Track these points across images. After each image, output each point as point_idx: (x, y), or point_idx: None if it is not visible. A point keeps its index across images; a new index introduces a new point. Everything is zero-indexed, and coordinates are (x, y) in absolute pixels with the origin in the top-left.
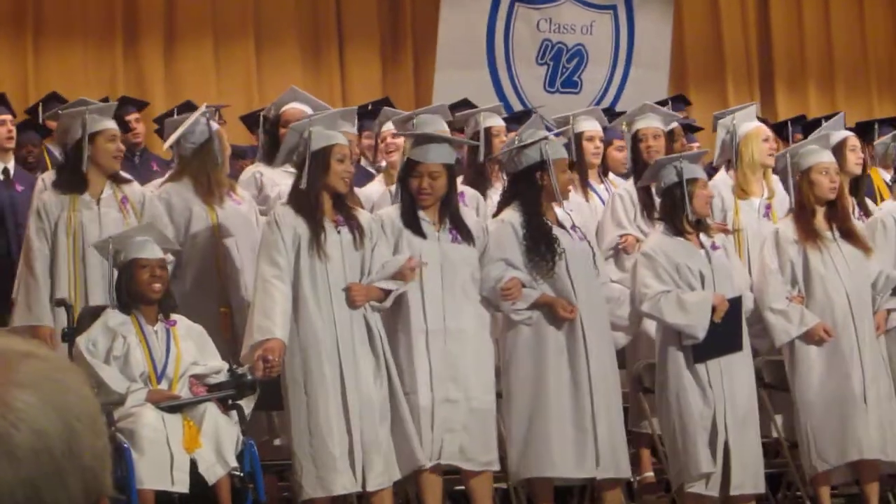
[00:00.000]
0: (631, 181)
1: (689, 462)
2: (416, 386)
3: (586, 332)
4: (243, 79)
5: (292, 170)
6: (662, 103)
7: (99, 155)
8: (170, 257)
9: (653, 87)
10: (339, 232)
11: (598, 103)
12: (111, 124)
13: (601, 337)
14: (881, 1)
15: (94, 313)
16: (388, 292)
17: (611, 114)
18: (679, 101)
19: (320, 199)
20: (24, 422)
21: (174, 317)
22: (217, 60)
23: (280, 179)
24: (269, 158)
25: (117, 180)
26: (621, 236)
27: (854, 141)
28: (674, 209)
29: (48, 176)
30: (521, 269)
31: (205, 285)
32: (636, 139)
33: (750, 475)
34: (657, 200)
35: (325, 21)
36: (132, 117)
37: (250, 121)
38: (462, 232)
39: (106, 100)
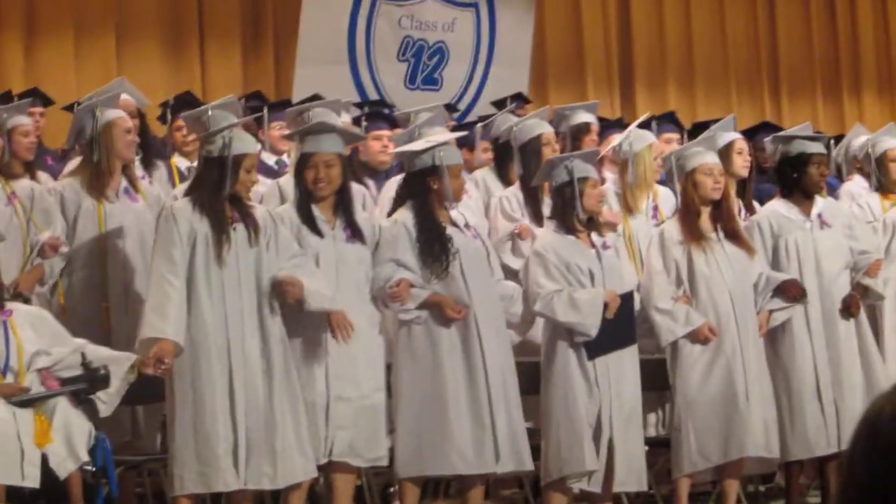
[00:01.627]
0: (517, 186)
1: (573, 459)
2: (314, 384)
3: (481, 330)
4: (104, 72)
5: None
6: (502, 102)
7: (14, 148)
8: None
9: (513, 86)
10: (234, 229)
11: (458, 101)
12: (24, 120)
13: (497, 334)
14: (741, 2)
15: None
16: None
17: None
18: (519, 98)
19: (226, 199)
20: None
21: (9, 306)
22: (78, 53)
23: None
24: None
25: (5, 175)
26: (518, 226)
27: (741, 144)
28: (564, 208)
29: None
30: (412, 270)
31: (89, 280)
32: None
33: (633, 472)
34: (546, 203)
35: (186, 14)
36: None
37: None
38: (355, 230)
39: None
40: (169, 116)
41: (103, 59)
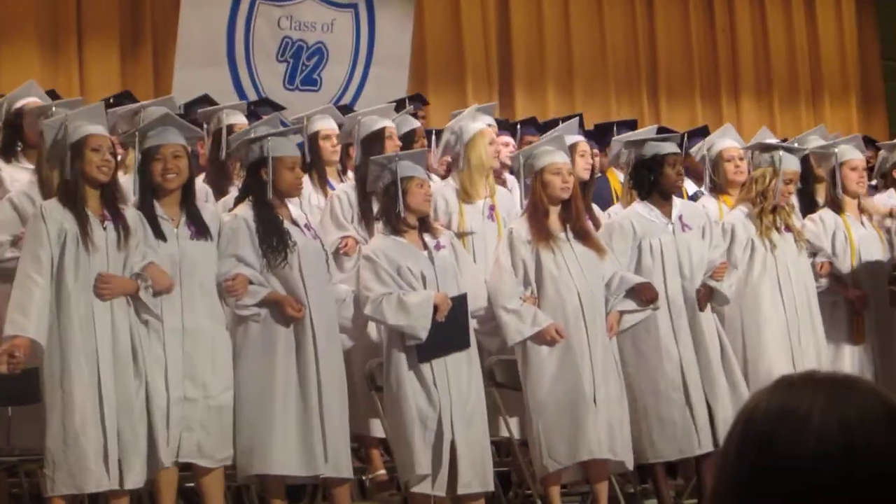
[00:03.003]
0: (350, 183)
1: (408, 462)
2: (154, 383)
3: (316, 332)
4: None
5: (30, 165)
6: (401, 102)
7: None
8: None
9: (393, 86)
10: (104, 228)
11: (337, 101)
12: None
13: (330, 337)
14: (620, 3)
15: None
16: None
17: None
18: (417, 99)
19: (82, 191)
20: None
21: None
22: None
23: (20, 175)
24: (8, 153)
25: None
26: (342, 238)
27: (584, 146)
28: (390, 208)
29: None
30: (252, 266)
31: None
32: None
33: (478, 474)
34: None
35: (64, 14)
36: None
37: None
38: (199, 227)
39: None
40: None
41: None
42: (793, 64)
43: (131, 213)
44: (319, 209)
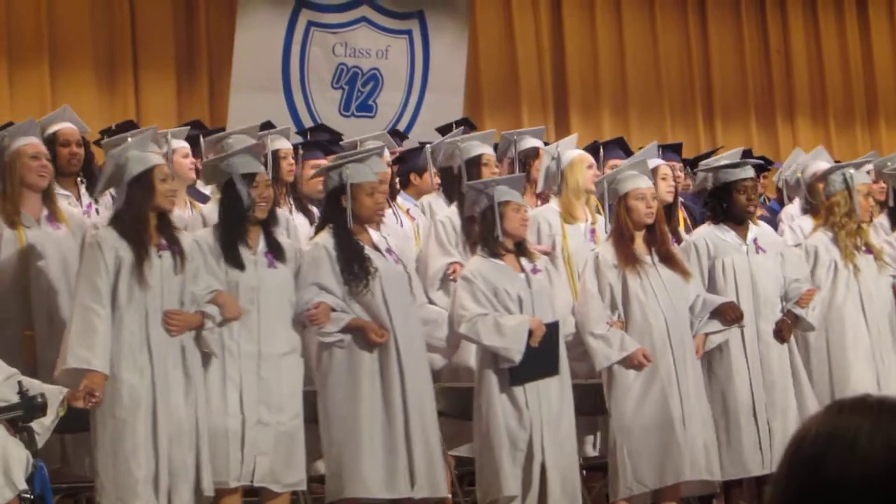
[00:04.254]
0: (454, 210)
1: (496, 484)
2: (228, 408)
3: (402, 355)
4: (38, 100)
5: (64, 191)
6: (448, 127)
7: None
8: None
9: (448, 112)
10: (160, 256)
11: (392, 127)
12: None
13: (416, 358)
14: (674, 27)
15: None
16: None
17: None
18: (464, 124)
19: (147, 221)
20: None
21: None
22: (11, 82)
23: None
24: None
25: None
26: (450, 265)
27: (665, 169)
28: (487, 232)
29: None
30: (334, 293)
31: (9, 308)
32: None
33: (568, 496)
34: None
35: (119, 43)
36: None
37: None
38: (277, 255)
39: None
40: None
41: (38, 87)
42: (847, 85)
43: (187, 240)
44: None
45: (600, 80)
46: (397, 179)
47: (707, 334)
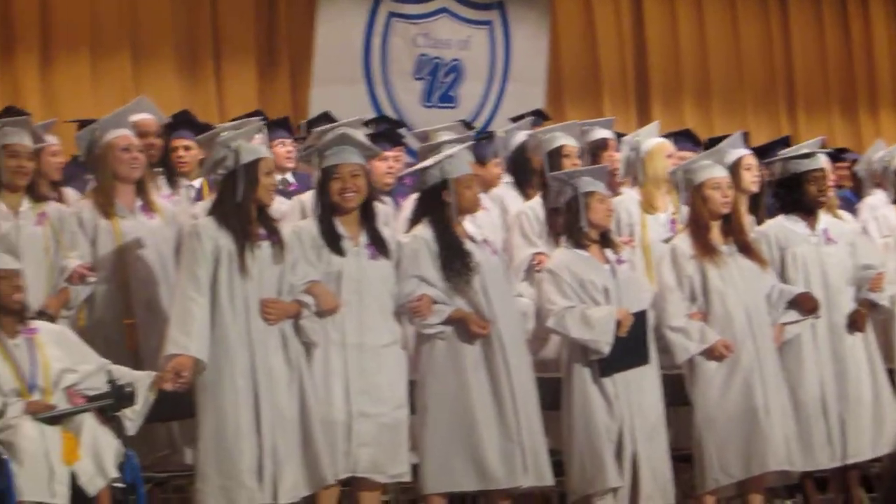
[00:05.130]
0: (537, 199)
1: (596, 476)
2: (332, 399)
3: (505, 345)
4: (120, 92)
5: None
6: (520, 118)
7: (1, 170)
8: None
9: (530, 102)
10: (259, 246)
11: (475, 118)
12: (14, 139)
13: (518, 349)
14: (755, 18)
15: None
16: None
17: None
18: (537, 115)
19: (248, 212)
20: None
21: (33, 324)
22: (94, 73)
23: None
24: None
25: (35, 196)
26: (534, 255)
27: (750, 160)
28: (572, 223)
29: None
30: (435, 285)
31: (111, 298)
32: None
33: (659, 487)
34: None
35: (201, 34)
36: None
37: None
38: (379, 246)
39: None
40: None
41: (120, 78)
42: None
43: (286, 231)
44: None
45: (682, 71)
46: None
47: (784, 324)
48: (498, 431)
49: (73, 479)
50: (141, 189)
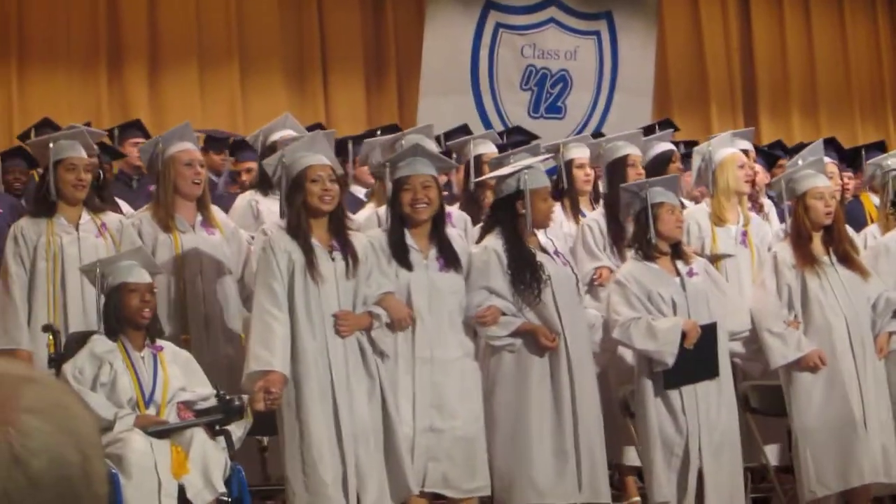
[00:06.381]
0: (599, 210)
1: (650, 489)
2: (400, 413)
3: (571, 359)
4: (228, 104)
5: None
6: (650, 128)
7: (59, 183)
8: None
9: (637, 113)
10: (333, 258)
11: (582, 129)
12: (71, 153)
13: (585, 363)
14: (863, 27)
15: (80, 339)
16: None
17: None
18: (666, 125)
19: (305, 222)
20: (42, 450)
21: (160, 342)
22: (202, 85)
23: (276, 207)
24: (263, 186)
25: (93, 208)
26: (596, 269)
27: (832, 168)
28: (641, 235)
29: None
30: (505, 297)
31: (168, 312)
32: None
33: (724, 502)
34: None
35: (309, 46)
36: (133, 142)
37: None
38: (449, 258)
39: (86, 124)
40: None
41: (228, 90)
42: None
43: (361, 242)
44: (571, 237)
45: (789, 78)
46: None
47: (891, 333)
48: (553, 447)
49: (182, 492)
50: (202, 204)
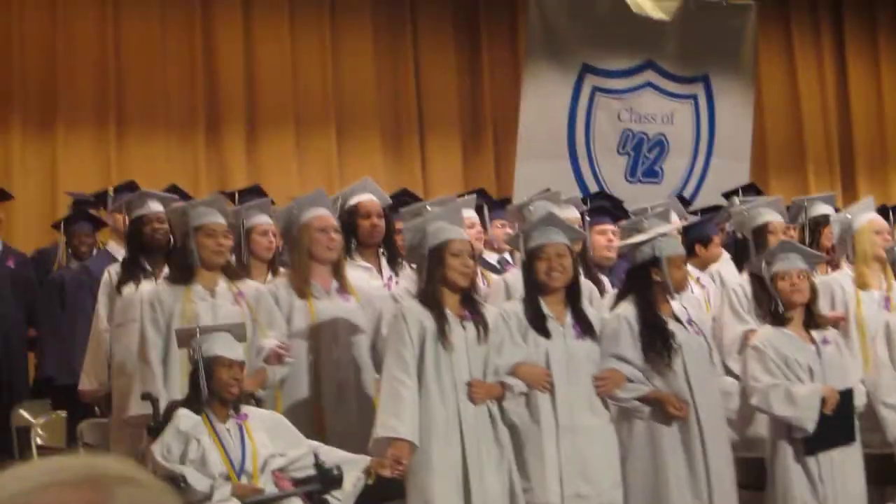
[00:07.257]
0: (745, 275)
1: None
2: (546, 482)
3: (703, 428)
4: (325, 167)
5: (365, 263)
6: (733, 193)
7: (199, 250)
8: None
9: (734, 177)
10: (464, 327)
11: (679, 192)
12: (210, 219)
13: (718, 433)
14: None
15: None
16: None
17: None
18: (750, 190)
19: (440, 294)
20: None
21: (244, 409)
22: (298, 148)
23: (355, 272)
24: (345, 249)
25: (230, 275)
26: (746, 332)
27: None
28: (770, 302)
29: (114, 269)
30: (634, 365)
31: (301, 379)
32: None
33: None
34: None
35: (405, 109)
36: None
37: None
38: (585, 326)
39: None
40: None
41: (325, 154)
42: None
43: (492, 312)
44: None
45: (887, 139)
46: None
47: None
48: None
49: None
50: (337, 270)
